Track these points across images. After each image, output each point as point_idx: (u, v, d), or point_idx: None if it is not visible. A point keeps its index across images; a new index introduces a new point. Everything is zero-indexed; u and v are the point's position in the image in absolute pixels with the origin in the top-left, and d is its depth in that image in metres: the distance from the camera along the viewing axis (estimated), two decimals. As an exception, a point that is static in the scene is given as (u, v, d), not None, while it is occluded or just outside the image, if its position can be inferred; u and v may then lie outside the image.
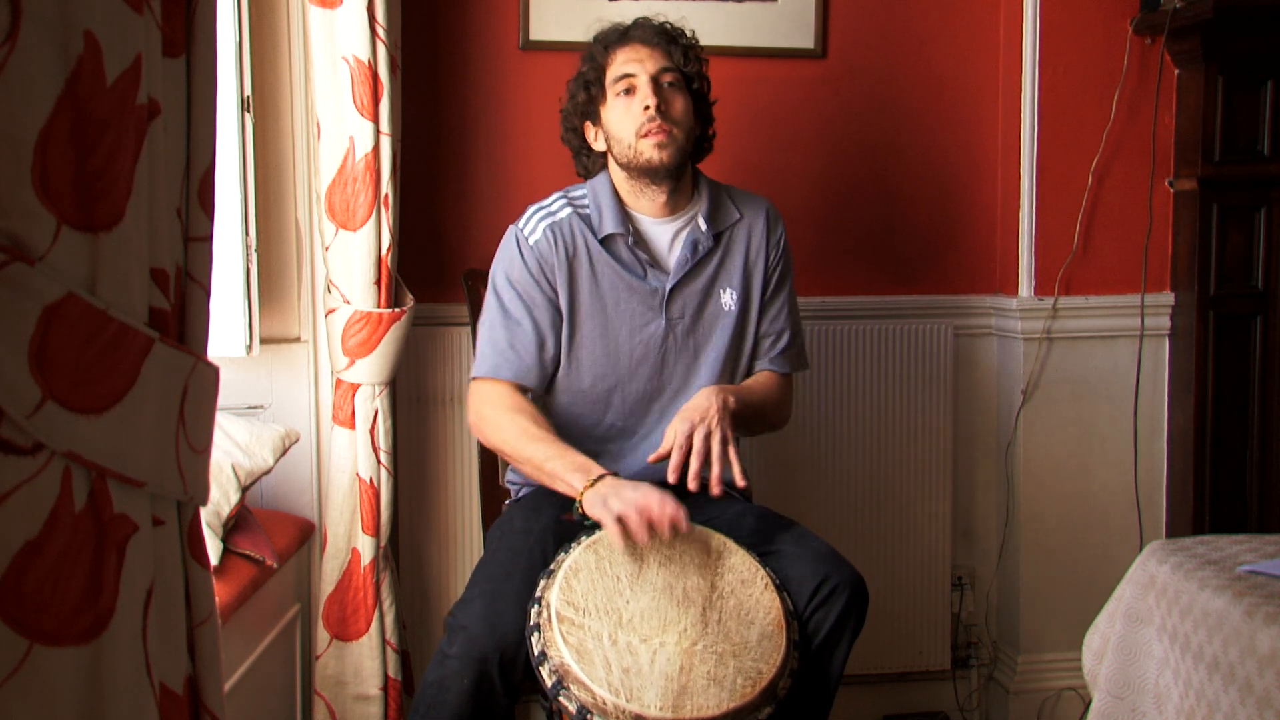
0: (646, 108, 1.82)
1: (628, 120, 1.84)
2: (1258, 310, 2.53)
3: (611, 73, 1.87)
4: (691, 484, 1.68)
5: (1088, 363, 2.59)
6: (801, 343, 2.03)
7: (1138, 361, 2.59)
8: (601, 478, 1.65)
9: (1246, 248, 2.52)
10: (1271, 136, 2.48)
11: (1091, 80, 2.53)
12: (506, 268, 1.88)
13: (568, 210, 1.89)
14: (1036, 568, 2.60)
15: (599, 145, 1.93)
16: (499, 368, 1.83)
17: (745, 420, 1.85)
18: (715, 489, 1.68)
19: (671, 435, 1.72)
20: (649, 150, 1.83)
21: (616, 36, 1.89)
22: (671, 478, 1.70)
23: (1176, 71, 2.55)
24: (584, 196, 1.92)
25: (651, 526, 1.56)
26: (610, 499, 1.59)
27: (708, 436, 1.70)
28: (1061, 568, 2.60)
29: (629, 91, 1.85)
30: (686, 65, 1.89)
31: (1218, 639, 1.55)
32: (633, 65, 1.85)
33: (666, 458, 1.72)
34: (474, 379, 1.87)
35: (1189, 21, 2.41)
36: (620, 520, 1.56)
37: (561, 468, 1.69)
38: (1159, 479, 2.62)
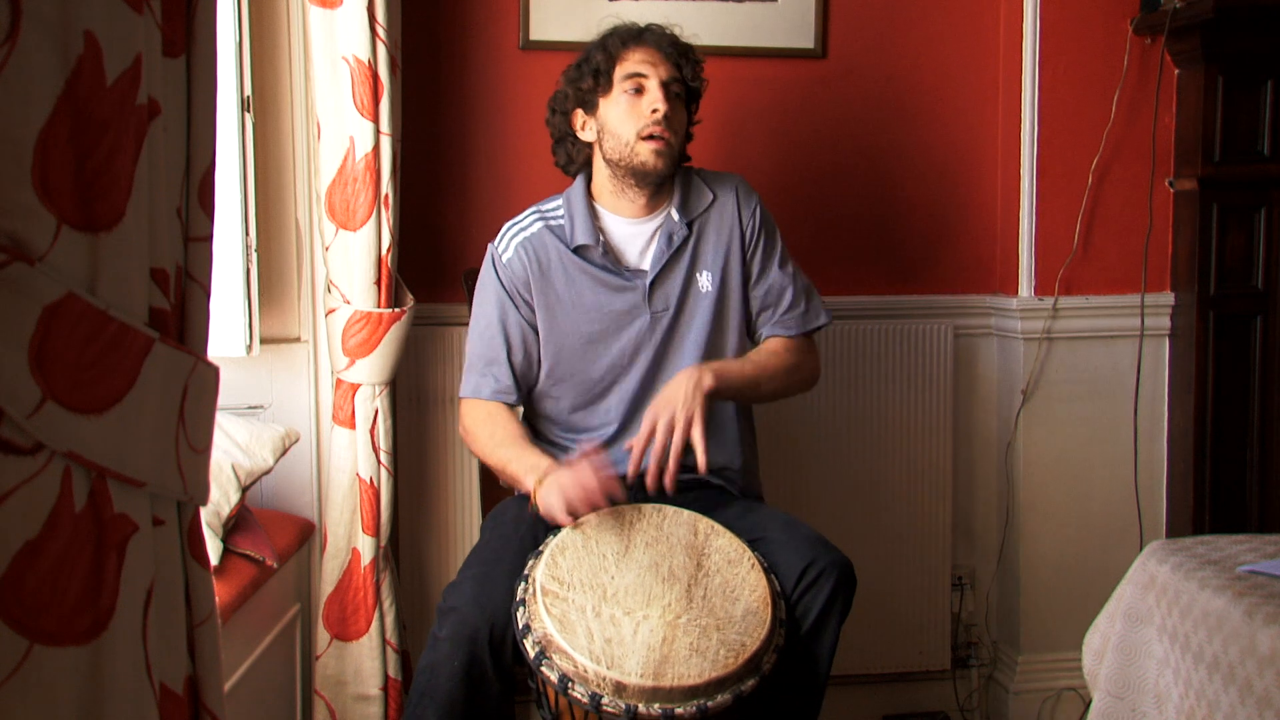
0: (655, 110, 1.83)
1: (630, 119, 1.85)
2: (1258, 310, 2.53)
3: (623, 68, 1.87)
4: (649, 483, 1.72)
5: (1088, 363, 2.59)
6: (811, 300, 1.99)
7: (1138, 361, 2.59)
8: (543, 480, 1.70)
9: (1246, 248, 2.52)
10: (1271, 136, 2.48)
11: (1091, 80, 2.53)
12: (482, 287, 1.95)
13: (539, 225, 1.93)
14: (1036, 567, 2.60)
15: (586, 135, 1.93)
16: (479, 388, 1.92)
17: (740, 390, 1.87)
18: (669, 486, 1.72)
19: (644, 424, 1.77)
20: (646, 154, 1.84)
21: (633, 35, 1.90)
22: (630, 471, 1.75)
23: (1176, 71, 2.55)
24: (557, 208, 1.95)
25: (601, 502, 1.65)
26: (551, 493, 1.67)
27: (670, 429, 1.73)
28: (1061, 567, 2.60)
29: (638, 91, 1.86)
30: (693, 81, 1.91)
31: (1218, 639, 1.55)
32: (645, 66, 1.86)
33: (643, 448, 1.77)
34: (460, 398, 1.96)
35: (1189, 21, 2.40)
36: (568, 508, 1.64)
37: (520, 470, 1.77)
38: (1159, 479, 2.62)
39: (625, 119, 1.85)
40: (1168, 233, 2.58)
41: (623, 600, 1.53)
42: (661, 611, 1.52)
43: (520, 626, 1.52)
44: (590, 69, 1.90)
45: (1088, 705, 1.87)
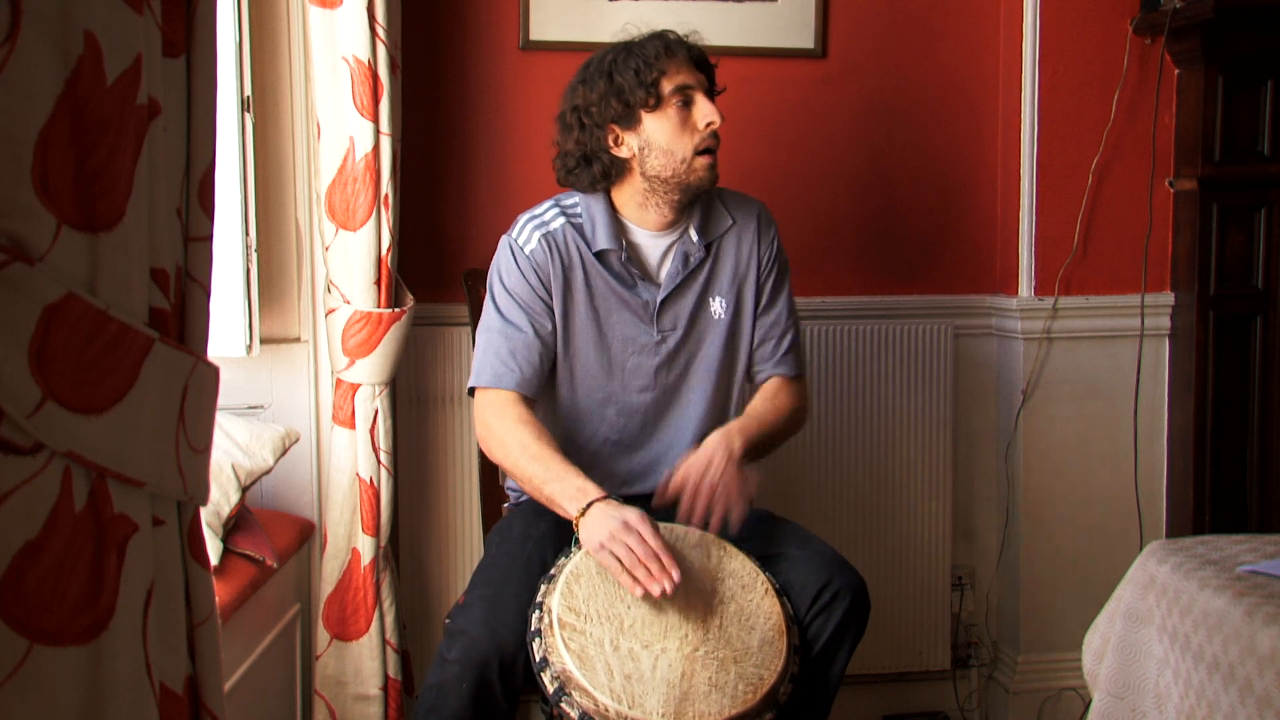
0: (710, 124, 1.78)
1: (685, 134, 1.78)
2: (1258, 310, 2.53)
3: (671, 81, 1.78)
4: (713, 528, 1.67)
5: (1088, 363, 2.59)
6: (801, 339, 2.00)
7: (1138, 361, 2.59)
8: (593, 504, 1.61)
9: (1246, 248, 2.52)
10: (1271, 136, 2.48)
11: (1091, 80, 2.53)
12: (504, 276, 1.85)
13: (561, 220, 1.85)
14: (1036, 568, 2.60)
15: (622, 152, 1.81)
16: (501, 377, 1.78)
17: (758, 450, 1.82)
18: (735, 527, 1.68)
19: (678, 483, 1.69)
20: (703, 169, 1.80)
21: (666, 46, 1.81)
22: (681, 518, 1.68)
23: (1176, 71, 2.55)
24: (576, 205, 1.88)
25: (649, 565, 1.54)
26: (600, 532, 1.57)
27: (708, 495, 1.67)
28: (1061, 567, 2.60)
29: (687, 104, 1.79)
30: (717, 92, 1.87)
31: (1218, 639, 1.55)
32: (690, 79, 1.79)
33: (669, 505, 1.70)
34: (476, 388, 1.82)
35: (1189, 21, 2.40)
36: (615, 557, 1.55)
37: (558, 492, 1.65)
38: (1159, 479, 2.62)
39: (678, 134, 1.78)
40: (1168, 233, 2.58)
41: (640, 632, 1.52)
42: (679, 644, 1.51)
43: (538, 659, 1.50)
44: (637, 81, 1.76)
45: (1088, 705, 1.87)
